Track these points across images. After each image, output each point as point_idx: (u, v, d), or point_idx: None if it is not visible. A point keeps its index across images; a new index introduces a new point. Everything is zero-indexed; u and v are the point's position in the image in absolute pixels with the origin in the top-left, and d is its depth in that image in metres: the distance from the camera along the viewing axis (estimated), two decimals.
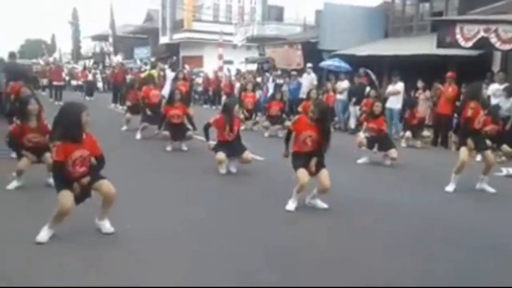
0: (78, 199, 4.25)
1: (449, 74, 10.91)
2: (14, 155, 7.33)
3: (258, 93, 14.85)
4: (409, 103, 11.28)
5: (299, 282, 3.63)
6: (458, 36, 10.92)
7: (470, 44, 10.70)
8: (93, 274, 3.62)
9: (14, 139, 5.93)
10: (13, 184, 5.81)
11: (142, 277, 3.60)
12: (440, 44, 11.67)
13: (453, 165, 6.77)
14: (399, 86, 11.86)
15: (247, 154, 7.23)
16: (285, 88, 15.16)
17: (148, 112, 10.21)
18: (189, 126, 8.88)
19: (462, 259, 4.21)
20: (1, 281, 3.42)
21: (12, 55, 13.07)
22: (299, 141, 5.41)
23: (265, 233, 4.69)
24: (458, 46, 11.03)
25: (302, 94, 13.99)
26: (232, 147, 7.21)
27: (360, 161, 8.43)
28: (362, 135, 8.49)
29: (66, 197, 4.12)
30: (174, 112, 8.83)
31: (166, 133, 8.87)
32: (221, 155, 7.10)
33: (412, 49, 13.52)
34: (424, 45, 13.25)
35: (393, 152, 8.25)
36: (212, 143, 7.29)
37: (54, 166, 4.26)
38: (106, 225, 4.43)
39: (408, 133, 10.62)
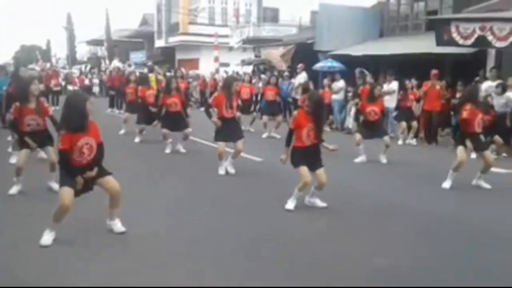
0: (80, 192, 4.30)
1: (433, 72, 11.14)
2: (13, 160, 7.43)
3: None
4: (401, 87, 11.53)
5: (298, 280, 3.70)
6: (455, 35, 10.99)
7: (469, 42, 10.76)
8: (97, 276, 3.67)
9: (14, 121, 5.88)
10: (15, 189, 5.86)
11: (145, 279, 3.66)
12: (439, 43, 11.74)
13: (447, 161, 6.87)
14: (394, 85, 11.96)
15: (240, 144, 7.27)
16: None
17: (152, 109, 10.15)
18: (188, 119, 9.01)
19: (456, 252, 4.29)
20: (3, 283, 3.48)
21: (1, 67, 13.16)
22: (303, 136, 5.38)
23: (264, 233, 4.75)
24: (457, 44, 11.12)
25: (295, 94, 14.08)
26: (232, 128, 7.23)
27: (357, 160, 8.50)
28: (357, 137, 8.50)
29: (66, 194, 4.18)
30: (171, 100, 8.87)
31: (166, 130, 8.94)
32: (221, 145, 7.20)
33: (407, 48, 13.60)
34: (419, 44, 13.34)
35: (386, 139, 8.38)
36: (216, 120, 7.21)
37: (60, 155, 4.27)
38: (118, 225, 4.53)
39: (403, 124, 10.85)
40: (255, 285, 3.58)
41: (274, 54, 19.21)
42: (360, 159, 8.50)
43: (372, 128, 8.40)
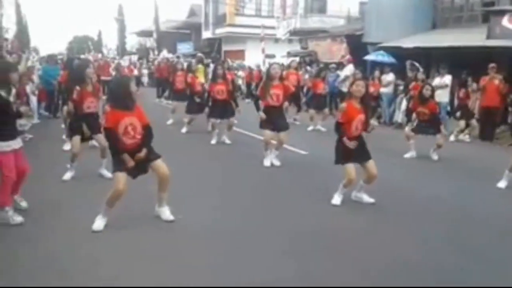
0: (134, 173, 4.41)
1: (491, 65, 10.56)
2: (66, 147, 7.71)
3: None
4: (459, 82, 11.05)
5: (338, 275, 3.65)
6: (506, 25, 10.48)
7: None
8: (146, 263, 3.76)
9: (75, 106, 6.12)
10: (68, 175, 6.10)
11: (190, 270, 3.70)
12: (490, 35, 11.21)
13: (504, 160, 6.55)
14: (447, 78, 11.50)
15: (283, 135, 7.23)
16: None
17: (197, 100, 10.27)
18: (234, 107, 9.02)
19: (501, 256, 4.09)
20: (61, 274, 3.61)
21: (50, 56, 13.70)
22: (352, 129, 5.27)
23: (308, 227, 4.71)
24: (508, 36, 10.58)
25: (342, 87, 13.83)
26: (276, 118, 7.18)
27: (407, 155, 8.26)
28: (408, 128, 8.30)
29: (120, 179, 4.29)
30: (218, 88, 8.92)
31: (213, 120, 9.02)
32: (267, 134, 7.18)
33: (461, 40, 13.03)
34: (474, 37, 12.75)
35: (439, 138, 8.07)
36: (262, 114, 7.23)
37: (106, 134, 4.42)
38: (166, 213, 4.61)
39: (462, 123, 10.43)
40: (295, 278, 3.55)
41: (322, 46, 18.95)
42: (410, 154, 8.26)
43: (425, 126, 8.16)
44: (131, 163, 4.33)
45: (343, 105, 5.41)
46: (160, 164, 4.50)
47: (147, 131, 4.46)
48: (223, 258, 3.87)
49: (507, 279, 3.69)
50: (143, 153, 4.39)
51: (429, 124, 8.13)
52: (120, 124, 4.30)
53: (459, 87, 11.05)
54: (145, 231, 4.37)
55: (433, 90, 8.42)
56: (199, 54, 13.56)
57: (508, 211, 5.45)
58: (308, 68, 17.84)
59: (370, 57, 15.65)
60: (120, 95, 4.35)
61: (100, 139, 6.20)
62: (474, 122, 10.56)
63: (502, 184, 6.36)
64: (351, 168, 5.29)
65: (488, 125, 10.71)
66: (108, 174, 5.99)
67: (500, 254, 4.15)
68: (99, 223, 4.33)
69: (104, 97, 11.91)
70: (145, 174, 4.53)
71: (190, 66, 11.38)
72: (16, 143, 4.51)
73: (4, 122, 4.38)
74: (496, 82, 10.47)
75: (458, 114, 10.76)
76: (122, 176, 4.30)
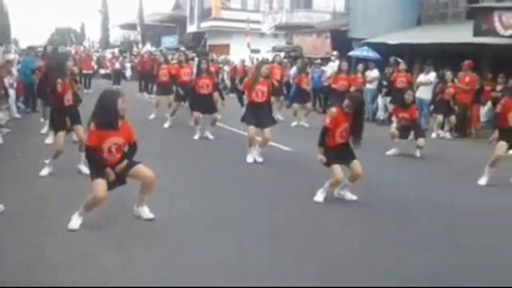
0: (112, 185, 4.26)
1: (465, 62, 10.81)
2: (48, 141, 7.52)
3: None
4: (440, 78, 11.21)
5: (326, 273, 3.60)
6: (497, 24, 10.55)
7: (510, 32, 10.33)
8: (123, 264, 3.66)
9: (57, 99, 6.04)
10: (46, 171, 5.93)
11: (171, 267, 3.62)
12: (476, 33, 11.28)
13: (484, 157, 6.59)
14: (431, 76, 11.56)
15: (268, 132, 7.18)
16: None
17: (180, 92, 10.20)
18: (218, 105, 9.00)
19: (487, 252, 4.09)
20: (32, 268, 3.49)
21: (30, 48, 13.60)
22: (336, 135, 5.26)
23: (289, 223, 4.67)
24: (496, 34, 10.66)
25: (326, 82, 13.79)
26: (261, 114, 7.15)
27: (389, 152, 8.27)
28: (394, 126, 8.30)
29: (100, 185, 4.14)
30: (203, 82, 8.84)
31: (197, 113, 8.88)
32: (252, 130, 7.12)
33: (446, 37, 13.11)
34: (459, 34, 12.82)
35: (421, 142, 8.08)
36: (245, 110, 7.30)
37: (87, 152, 4.30)
38: (146, 211, 4.49)
39: (440, 118, 10.54)
40: (272, 274, 3.49)
41: (307, 42, 18.91)
42: (392, 151, 8.27)
43: (406, 130, 8.18)
44: (112, 176, 4.20)
45: (333, 110, 5.38)
46: (140, 167, 4.36)
47: (132, 147, 4.35)
48: (201, 254, 3.78)
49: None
50: (124, 163, 4.26)
51: (411, 129, 8.16)
52: (105, 144, 4.17)
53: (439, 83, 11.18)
54: (124, 231, 4.27)
55: (414, 95, 8.47)
56: (182, 48, 13.46)
57: (491, 206, 5.47)
58: (294, 68, 17.78)
59: (355, 52, 15.66)
60: (106, 113, 4.17)
61: (79, 131, 6.07)
62: (453, 118, 10.64)
63: (482, 181, 6.37)
64: (338, 169, 5.25)
65: (463, 121, 10.92)
66: (86, 170, 5.83)
67: (486, 249, 4.16)
68: (75, 222, 4.19)
69: (85, 91, 11.71)
70: (122, 185, 4.38)
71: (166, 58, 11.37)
72: None
73: None
74: (467, 79, 10.66)
75: (431, 107, 10.92)
76: (101, 183, 4.14)
